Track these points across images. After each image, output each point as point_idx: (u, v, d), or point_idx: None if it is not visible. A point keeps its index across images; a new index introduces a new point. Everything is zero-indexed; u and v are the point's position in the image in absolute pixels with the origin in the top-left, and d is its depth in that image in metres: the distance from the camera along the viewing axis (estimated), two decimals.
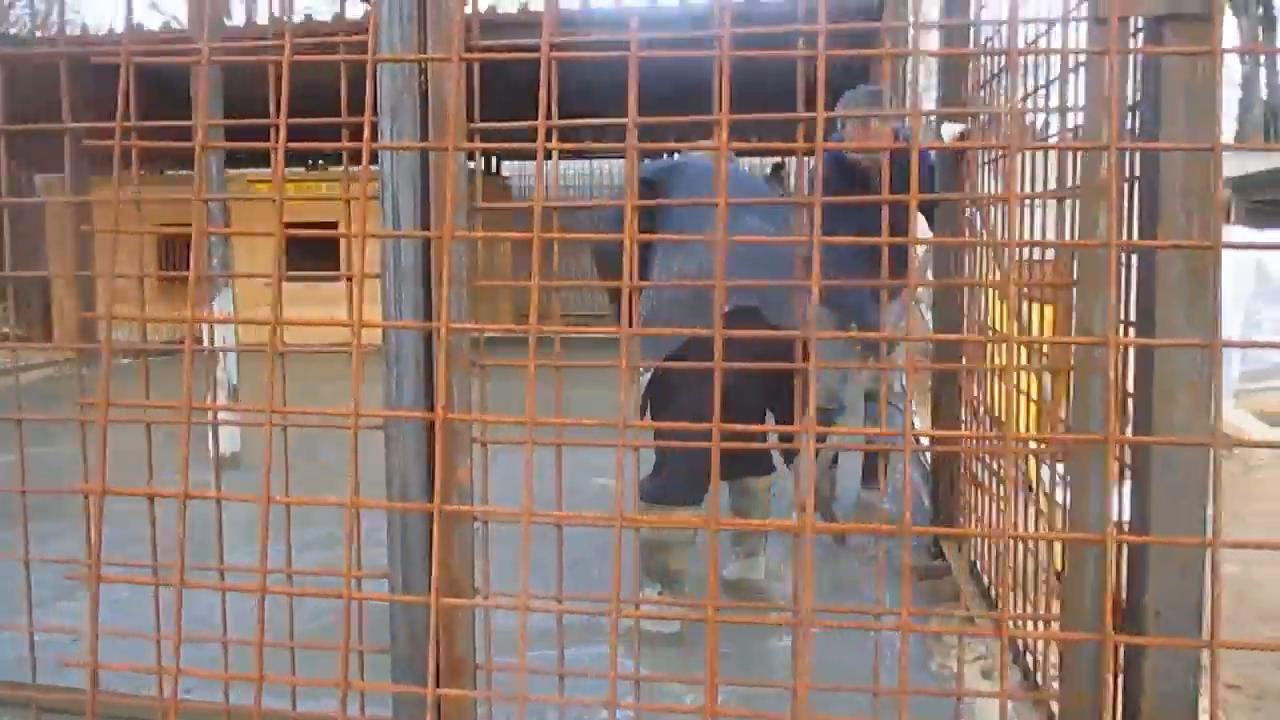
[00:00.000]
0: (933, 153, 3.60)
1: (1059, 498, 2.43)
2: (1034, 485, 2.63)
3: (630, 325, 1.23)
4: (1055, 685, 1.98)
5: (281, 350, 1.29)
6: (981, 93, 2.95)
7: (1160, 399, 1.31)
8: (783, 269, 3.04)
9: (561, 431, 1.53)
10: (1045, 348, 1.96)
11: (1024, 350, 2.68)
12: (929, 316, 4.75)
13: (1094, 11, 1.30)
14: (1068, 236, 1.72)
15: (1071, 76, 1.91)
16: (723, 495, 3.23)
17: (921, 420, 4.91)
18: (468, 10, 1.45)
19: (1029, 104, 2.35)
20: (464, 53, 1.27)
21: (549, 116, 1.22)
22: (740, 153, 10.60)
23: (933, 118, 3.47)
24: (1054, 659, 2.19)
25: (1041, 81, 2.41)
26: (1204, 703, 1.35)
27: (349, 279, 1.45)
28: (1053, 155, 1.99)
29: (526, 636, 1.13)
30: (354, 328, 1.22)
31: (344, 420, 1.22)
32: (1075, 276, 1.34)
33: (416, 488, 1.45)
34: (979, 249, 2.96)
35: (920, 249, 3.74)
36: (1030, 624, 2.32)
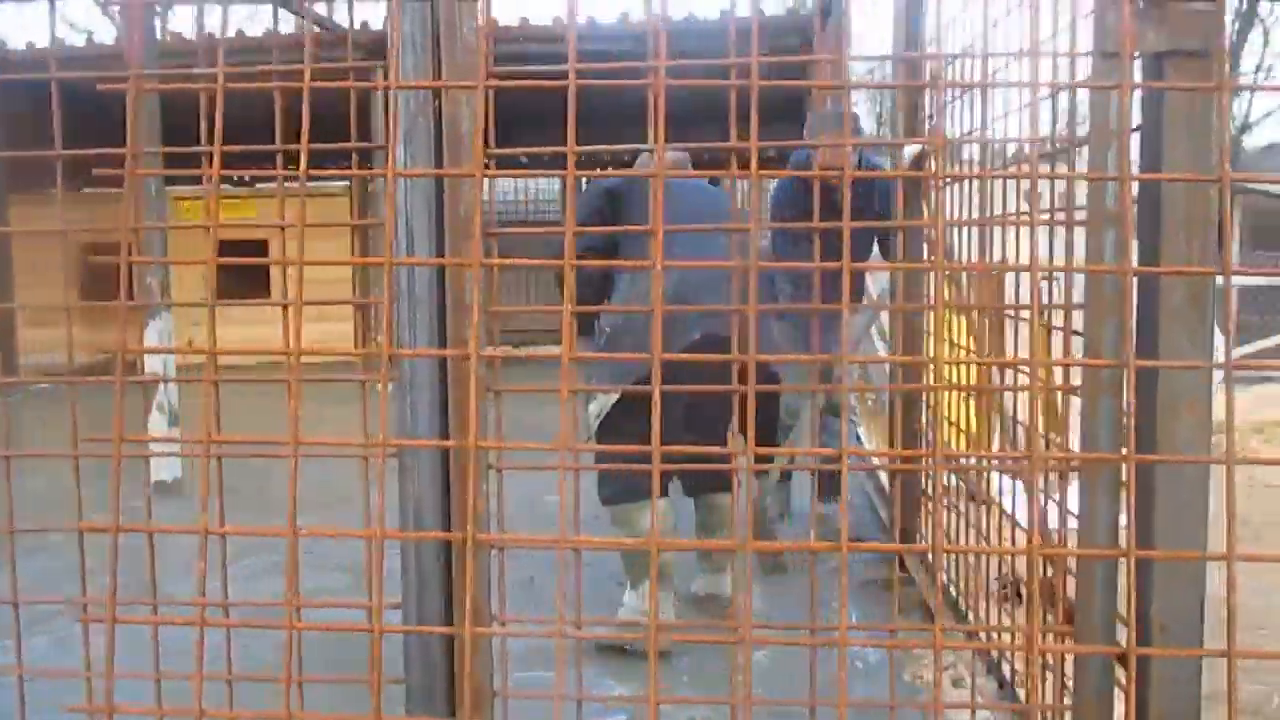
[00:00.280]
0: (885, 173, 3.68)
1: (1006, 507, 2.49)
2: (977, 497, 2.70)
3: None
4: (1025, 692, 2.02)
5: (299, 379, 1.27)
6: (935, 118, 3.03)
7: (1164, 417, 1.36)
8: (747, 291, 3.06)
9: (578, 456, 1.53)
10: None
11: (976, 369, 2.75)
12: (879, 345, 4.85)
13: (1099, 46, 1.35)
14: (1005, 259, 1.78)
15: (1035, 105, 1.97)
16: (688, 510, 3.25)
17: (872, 436, 5.00)
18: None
19: (994, 130, 2.43)
20: (485, 78, 1.27)
21: (559, 140, 1.23)
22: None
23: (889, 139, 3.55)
24: (1020, 667, 2.24)
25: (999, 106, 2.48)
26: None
27: (360, 306, 1.43)
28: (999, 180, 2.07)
29: (535, 658, 1.13)
30: (383, 356, 1.21)
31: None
32: (1083, 300, 1.38)
33: (431, 515, 1.43)
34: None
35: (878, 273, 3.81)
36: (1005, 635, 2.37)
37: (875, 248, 3.90)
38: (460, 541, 1.29)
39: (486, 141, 1.45)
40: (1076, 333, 1.48)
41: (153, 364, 4.63)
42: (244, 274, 10.24)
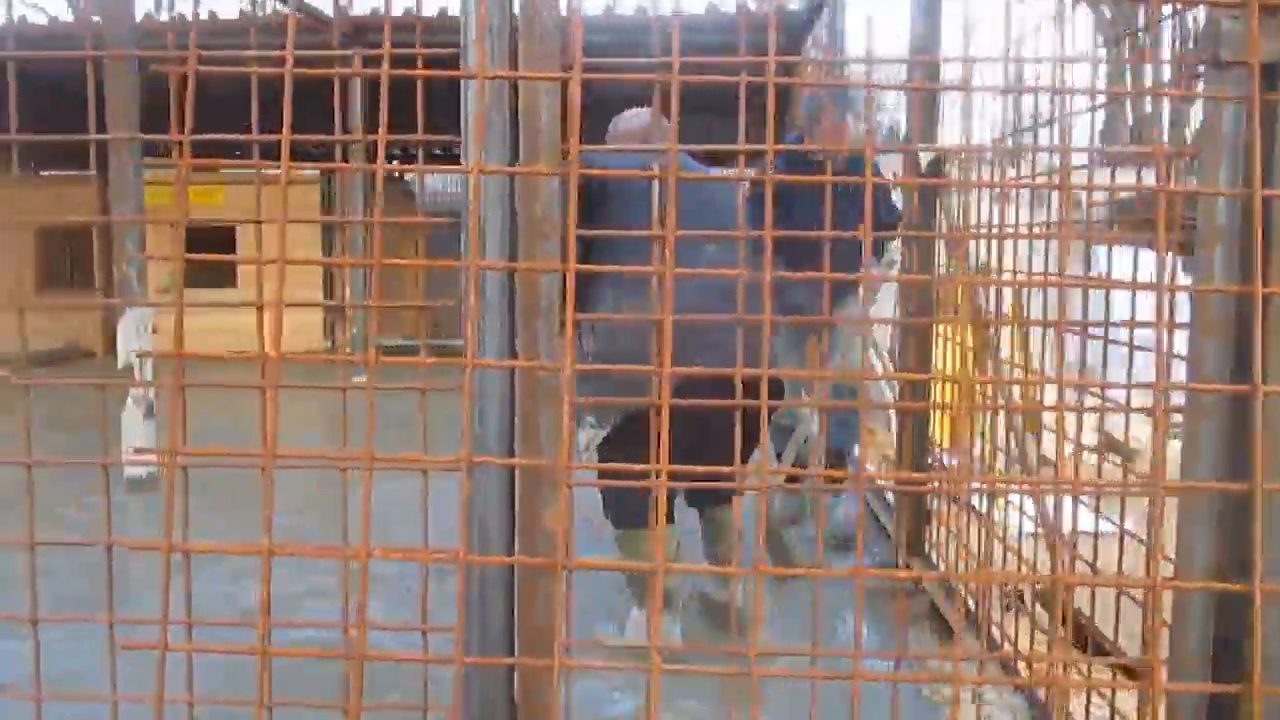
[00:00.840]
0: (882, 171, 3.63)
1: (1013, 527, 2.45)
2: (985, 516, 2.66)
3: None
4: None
5: (373, 386, 1.18)
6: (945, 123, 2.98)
7: (1267, 444, 1.31)
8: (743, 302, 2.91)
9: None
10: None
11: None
12: (876, 362, 4.78)
13: (1212, 55, 1.29)
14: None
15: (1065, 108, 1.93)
16: (690, 523, 3.18)
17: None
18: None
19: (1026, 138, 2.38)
20: (562, 70, 1.18)
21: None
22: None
23: (905, 141, 3.50)
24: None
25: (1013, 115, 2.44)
26: None
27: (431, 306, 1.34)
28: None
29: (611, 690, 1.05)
30: (468, 366, 1.12)
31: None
32: (1190, 319, 1.33)
33: (496, 533, 1.35)
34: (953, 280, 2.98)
35: (886, 266, 3.75)
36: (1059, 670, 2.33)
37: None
38: (543, 567, 1.21)
39: (565, 135, 1.36)
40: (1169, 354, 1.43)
41: (128, 354, 4.47)
42: (214, 264, 9.98)
